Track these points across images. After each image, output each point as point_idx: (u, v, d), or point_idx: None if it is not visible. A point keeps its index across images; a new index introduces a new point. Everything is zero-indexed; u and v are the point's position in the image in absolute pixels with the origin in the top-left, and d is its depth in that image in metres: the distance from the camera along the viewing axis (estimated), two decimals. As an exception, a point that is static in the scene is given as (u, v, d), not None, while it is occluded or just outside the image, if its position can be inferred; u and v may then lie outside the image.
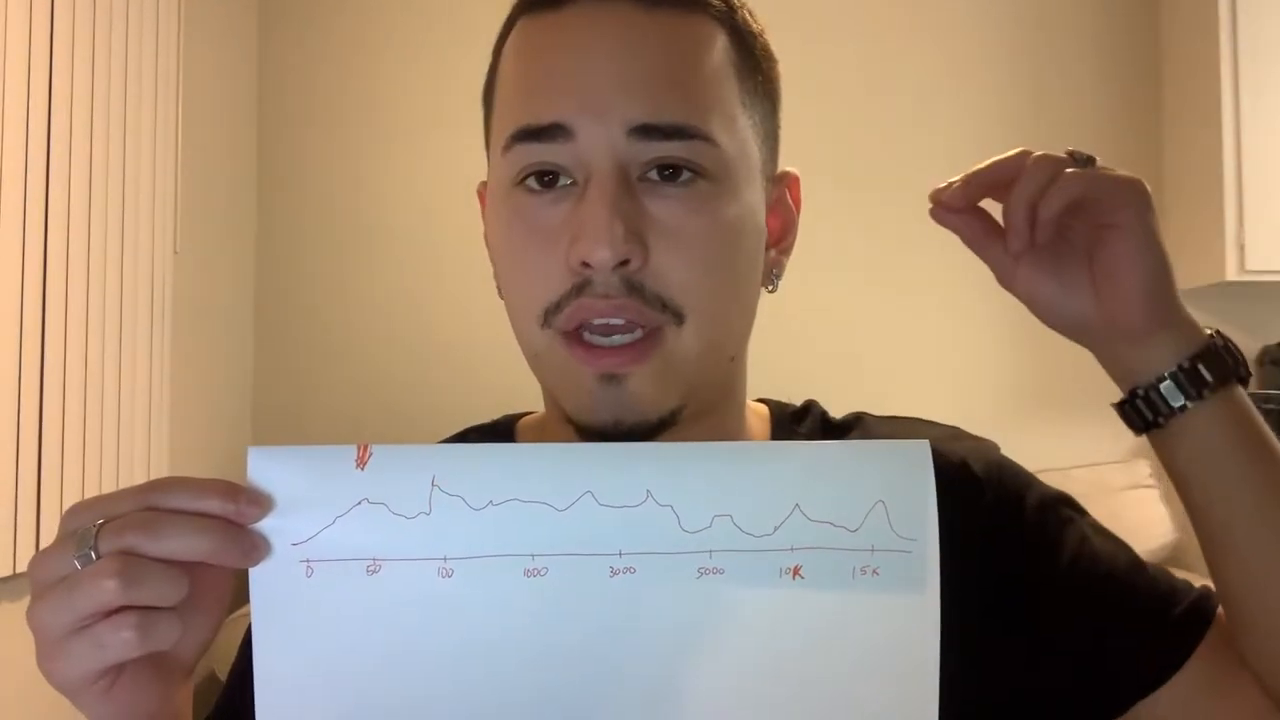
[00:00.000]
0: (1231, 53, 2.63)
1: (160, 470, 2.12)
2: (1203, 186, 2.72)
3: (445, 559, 0.45)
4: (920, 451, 0.48)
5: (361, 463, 0.45)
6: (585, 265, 0.54)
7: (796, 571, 0.46)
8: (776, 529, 0.46)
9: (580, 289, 0.54)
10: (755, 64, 0.60)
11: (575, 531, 0.45)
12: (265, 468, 0.45)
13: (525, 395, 0.65)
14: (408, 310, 2.82)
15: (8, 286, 1.62)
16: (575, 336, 0.55)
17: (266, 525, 0.45)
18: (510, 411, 0.72)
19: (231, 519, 0.44)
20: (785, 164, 0.65)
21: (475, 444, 0.47)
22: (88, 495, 1.88)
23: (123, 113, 1.99)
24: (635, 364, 0.55)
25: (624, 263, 0.53)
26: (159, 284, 2.13)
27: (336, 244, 2.84)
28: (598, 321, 0.54)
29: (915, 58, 2.94)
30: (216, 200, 2.56)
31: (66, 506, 1.70)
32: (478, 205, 0.66)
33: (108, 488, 1.89)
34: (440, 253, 2.77)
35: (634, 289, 0.54)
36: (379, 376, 2.80)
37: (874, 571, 0.47)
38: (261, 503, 0.45)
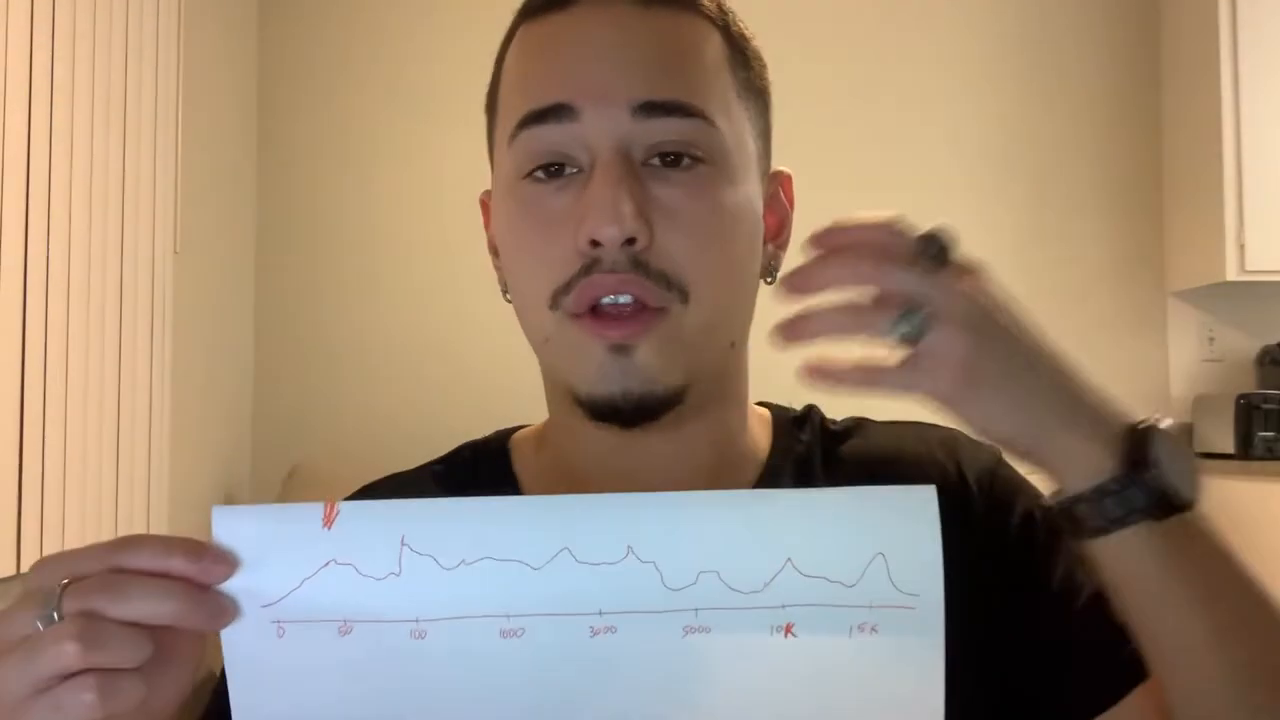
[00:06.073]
0: (1232, 53, 2.63)
1: (161, 471, 2.12)
2: (1203, 186, 2.72)
3: (418, 620, 0.44)
4: (925, 497, 0.45)
5: (329, 521, 0.44)
6: (594, 244, 0.55)
7: (789, 630, 0.44)
8: (766, 585, 0.43)
9: (589, 268, 0.56)
10: (747, 62, 0.63)
11: (553, 590, 0.43)
12: (231, 527, 0.44)
13: (526, 394, 0.66)
14: (408, 309, 2.83)
15: (8, 286, 1.62)
16: (584, 315, 0.57)
17: (235, 586, 0.44)
18: (509, 415, 0.72)
19: (197, 578, 0.44)
20: (786, 166, 0.68)
21: (446, 499, 0.46)
22: (88, 496, 1.87)
23: (123, 112, 1.99)
24: (641, 335, 0.56)
25: (631, 241, 0.55)
26: (159, 284, 2.13)
27: (337, 243, 2.85)
28: (606, 300, 0.56)
29: (914, 59, 2.94)
30: (216, 200, 2.56)
31: (67, 507, 1.69)
32: (479, 202, 0.68)
33: (108, 489, 1.89)
34: (441, 252, 2.77)
35: (639, 266, 0.56)
36: (379, 376, 2.80)
37: (873, 629, 0.44)
38: (227, 562, 0.44)
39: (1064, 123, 2.94)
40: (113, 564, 0.44)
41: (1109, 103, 2.95)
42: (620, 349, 0.56)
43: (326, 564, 0.44)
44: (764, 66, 0.65)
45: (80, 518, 1.79)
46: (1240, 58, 2.62)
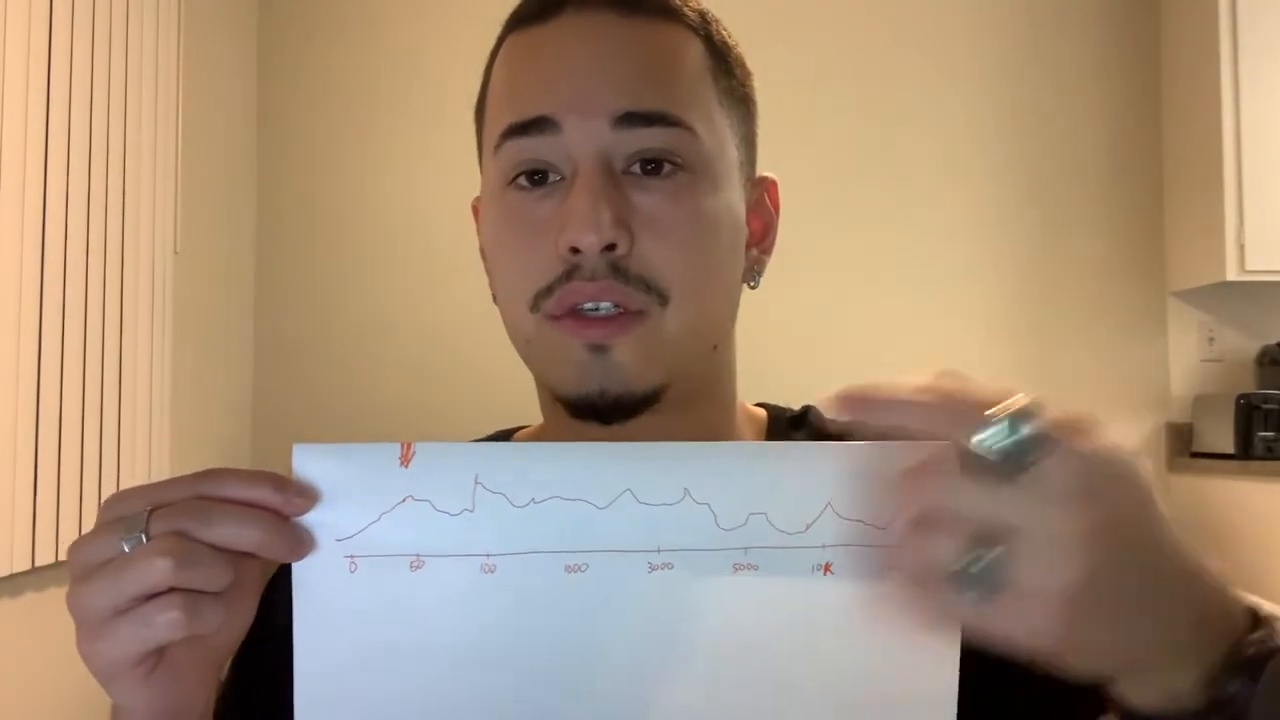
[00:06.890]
0: (1232, 52, 2.64)
1: (161, 470, 2.12)
2: (1203, 186, 2.72)
3: (488, 555, 0.46)
4: (944, 451, 0.48)
5: (405, 460, 0.46)
6: (574, 251, 0.57)
7: (828, 568, 0.47)
8: (809, 527, 0.47)
9: (569, 275, 0.57)
10: (730, 70, 0.64)
11: (615, 528, 0.46)
12: (310, 463, 0.46)
13: (525, 392, 0.66)
14: (407, 310, 2.83)
15: (7, 287, 1.62)
16: (565, 317, 0.58)
17: (311, 520, 0.46)
18: (508, 413, 0.73)
19: (280, 509, 0.45)
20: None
21: (517, 442, 0.48)
22: (86, 496, 1.86)
23: (123, 113, 1.99)
24: (620, 335, 0.57)
25: (610, 247, 0.56)
26: (159, 284, 2.13)
27: (337, 243, 2.85)
28: (586, 306, 0.57)
29: (909, 57, 2.95)
30: (216, 200, 2.56)
31: (64, 507, 1.69)
32: (471, 207, 0.69)
33: (107, 488, 1.89)
34: (441, 252, 2.77)
35: (619, 272, 0.57)
36: (379, 376, 2.80)
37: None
38: (309, 496, 0.45)
39: (1063, 123, 2.94)
40: (197, 492, 0.45)
41: (1108, 102, 2.95)
42: (598, 348, 0.58)
43: (403, 500, 0.46)
44: (748, 74, 0.66)
45: (79, 517, 1.79)
46: (1240, 58, 2.63)
